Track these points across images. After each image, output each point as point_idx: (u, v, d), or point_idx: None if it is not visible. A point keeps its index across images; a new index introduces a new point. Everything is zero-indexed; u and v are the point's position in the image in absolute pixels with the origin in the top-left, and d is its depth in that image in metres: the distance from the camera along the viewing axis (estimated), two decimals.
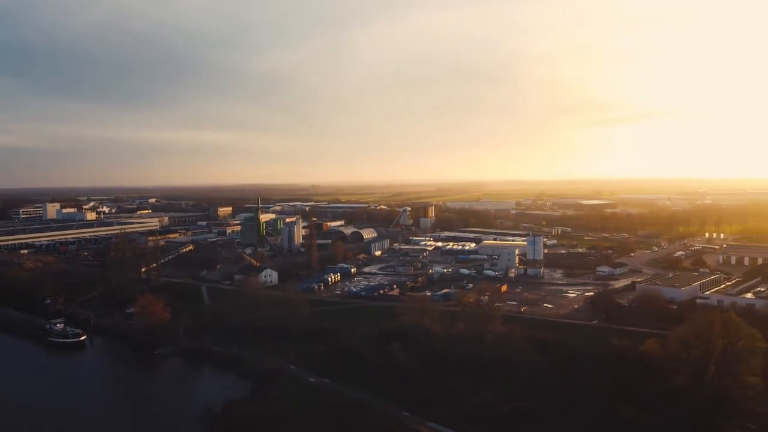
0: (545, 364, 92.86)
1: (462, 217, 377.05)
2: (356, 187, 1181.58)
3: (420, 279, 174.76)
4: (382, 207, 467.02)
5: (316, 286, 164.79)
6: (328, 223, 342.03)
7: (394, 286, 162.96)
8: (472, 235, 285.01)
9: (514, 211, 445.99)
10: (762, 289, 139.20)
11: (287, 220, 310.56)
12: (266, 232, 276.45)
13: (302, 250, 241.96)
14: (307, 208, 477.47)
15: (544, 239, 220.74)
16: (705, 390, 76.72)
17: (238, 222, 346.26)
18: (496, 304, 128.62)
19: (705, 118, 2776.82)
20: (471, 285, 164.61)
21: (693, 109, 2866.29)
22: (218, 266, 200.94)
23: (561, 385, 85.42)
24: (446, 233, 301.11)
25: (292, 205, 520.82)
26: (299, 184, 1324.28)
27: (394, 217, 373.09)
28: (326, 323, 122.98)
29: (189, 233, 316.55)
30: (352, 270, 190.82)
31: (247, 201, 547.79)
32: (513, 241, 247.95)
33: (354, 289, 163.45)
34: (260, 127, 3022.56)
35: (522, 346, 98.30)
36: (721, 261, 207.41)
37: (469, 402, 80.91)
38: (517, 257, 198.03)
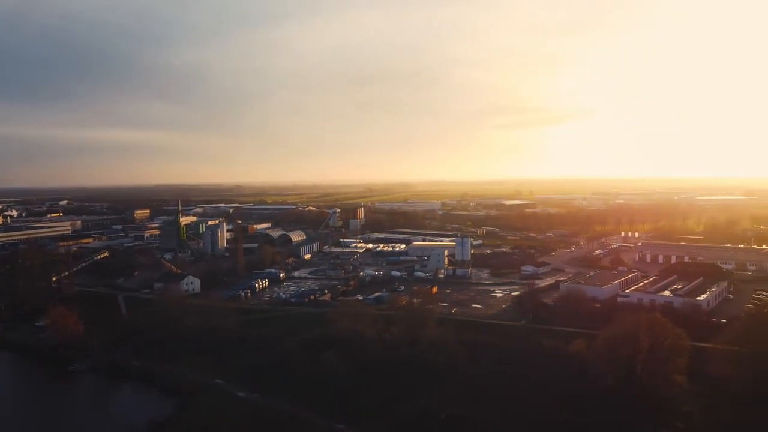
0: (479, 367, 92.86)
1: (391, 218, 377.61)
2: (283, 187, 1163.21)
3: (351, 282, 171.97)
4: (311, 208, 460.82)
5: (243, 293, 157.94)
6: (254, 226, 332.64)
7: (326, 291, 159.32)
8: (401, 237, 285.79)
9: (440, 212, 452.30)
10: (678, 287, 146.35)
11: (210, 222, 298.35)
12: (187, 236, 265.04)
13: (227, 254, 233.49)
14: (231, 210, 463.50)
15: (471, 239, 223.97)
16: (634, 390, 78.95)
17: (156, 225, 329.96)
18: (429, 307, 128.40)
19: (617, 120, 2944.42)
20: (402, 287, 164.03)
21: (606, 111, 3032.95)
22: (136, 274, 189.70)
23: (495, 389, 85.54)
24: (376, 235, 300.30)
25: (215, 207, 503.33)
26: (222, 185, 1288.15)
27: (323, 219, 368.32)
28: (255, 333, 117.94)
29: (104, 238, 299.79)
30: (281, 275, 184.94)
31: (166, 203, 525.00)
32: (441, 241, 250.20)
33: (283, 296, 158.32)
34: (181, 126, 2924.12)
35: (456, 350, 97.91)
36: (637, 259, 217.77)
37: (405, 411, 79.13)
38: (446, 258, 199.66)
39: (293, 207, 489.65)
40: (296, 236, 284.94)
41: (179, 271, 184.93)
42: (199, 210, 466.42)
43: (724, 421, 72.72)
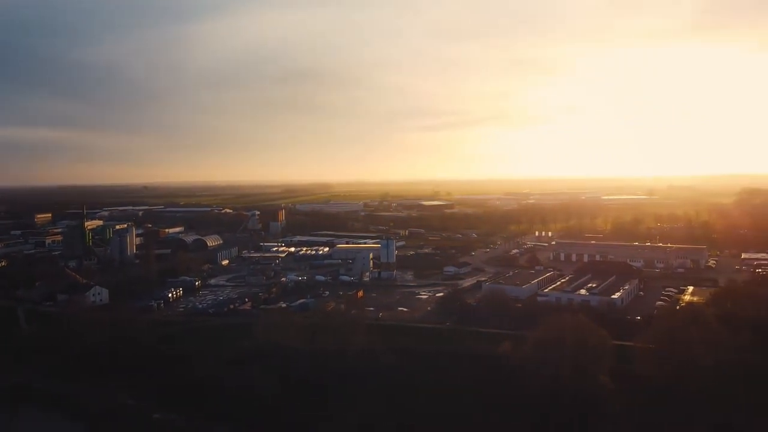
0: (409, 374, 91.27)
1: (313, 219, 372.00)
2: (196, 188, 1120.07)
3: (273, 289, 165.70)
4: (227, 210, 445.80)
5: (155, 304, 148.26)
6: (166, 230, 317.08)
7: (246, 299, 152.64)
8: (324, 239, 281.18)
9: (363, 213, 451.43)
10: (593, 285, 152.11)
11: (118, 227, 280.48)
12: (93, 242, 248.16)
13: (137, 262, 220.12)
14: (141, 213, 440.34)
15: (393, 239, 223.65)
16: (562, 392, 79.94)
17: (59, 231, 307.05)
18: (356, 312, 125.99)
19: (527, 123, 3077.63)
20: (328, 292, 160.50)
21: (517, 115, 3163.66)
22: (37, 284, 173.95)
23: (427, 396, 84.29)
24: (298, 237, 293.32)
25: (123, 210, 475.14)
26: (131, 185, 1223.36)
27: (242, 222, 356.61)
28: (170, 347, 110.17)
29: (1, 245, 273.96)
30: (197, 283, 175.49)
31: (70, 206, 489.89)
32: (365, 243, 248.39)
33: (200, 306, 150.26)
34: (87, 124, 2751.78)
35: (386, 357, 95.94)
36: (551, 258, 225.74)
37: (338, 427, 76.07)
38: (371, 261, 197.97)
39: (208, 209, 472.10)
40: (212, 241, 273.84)
41: (85, 281, 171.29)
42: (105, 213, 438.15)
43: (649, 420, 74.89)
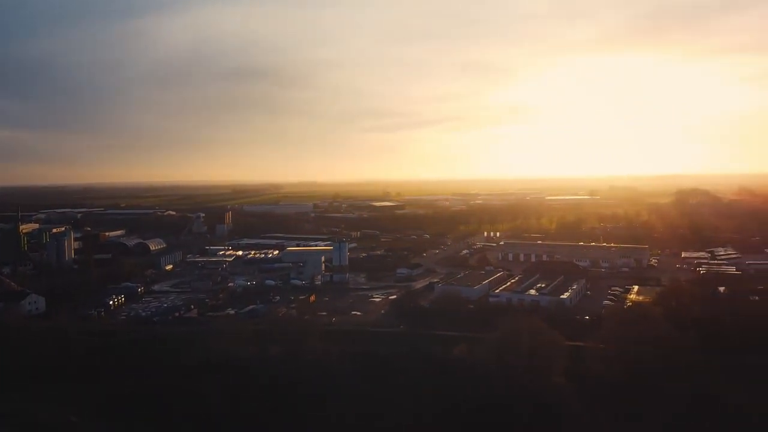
0: (366, 381, 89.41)
1: (262, 221, 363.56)
2: (139, 189, 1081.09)
3: (221, 295, 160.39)
4: (171, 212, 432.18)
5: (96, 312, 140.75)
6: (107, 233, 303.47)
7: (192, 306, 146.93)
8: (274, 242, 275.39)
9: (313, 214, 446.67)
10: (542, 285, 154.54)
11: (55, 230, 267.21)
12: (28, 247, 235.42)
13: (75, 267, 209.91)
14: (80, 216, 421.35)
15: (346, 241, 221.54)
16: (518, 393, 79.98)
17: None
18: (308, 317, 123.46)
19: (477, 125, 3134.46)
20: (278, 297, 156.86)
21: (467, 117, 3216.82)
22: None
23: (383, 402, 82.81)
24: (246, 240, 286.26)
25: (61, 213, 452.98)
26: (69, 186, 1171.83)
27: (186, 224, 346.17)
28: (112, 359, 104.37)
29: None
30: (140, 289, 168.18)
31: (2, 208, 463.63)
32: (317, 246, 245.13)
33: (143, 313, 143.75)
34: (22, 123, 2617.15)
35: (341, 363, 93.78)
36: (500, 258, 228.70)
37: None
38: (323, 263, 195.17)
39: (151, 211, 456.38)
40: (155, 244, 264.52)
41: (20, 288, 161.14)
42: (41, 216, 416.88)
43: (603, 420, 75.75)
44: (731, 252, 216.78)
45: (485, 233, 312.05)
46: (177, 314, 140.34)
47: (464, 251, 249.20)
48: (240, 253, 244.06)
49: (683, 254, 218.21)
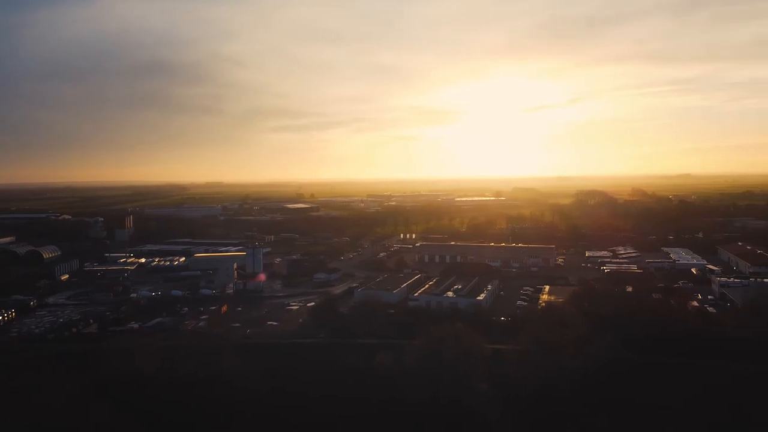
0: (284, 395, 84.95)
1: (166, 225, 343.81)
2: (30, 191, 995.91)
3: (123, 308, 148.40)
4: (66, 217, 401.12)
5: None
6: None
7: (91, 321, 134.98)
8: (181, 248, 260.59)
9: (222, 217, 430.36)
10: (459, 287, 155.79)
11: None
12: None
13: None
14: None
15: (259, 246, 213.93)
16: (442, 401, 78.68)
17: None
18: (220, 330, 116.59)
19: (386, 126, 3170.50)
20: (186, 309, 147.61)
21: (377, 117, 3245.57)
22: None
23: (303, 417, 78.90)
24: (150, 246, 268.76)
25: None
26: None
27: (83, 229, 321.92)
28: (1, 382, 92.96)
29: None
30: (32, 302, 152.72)
31: None
32: (227, 251, 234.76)
33: (36, 330, 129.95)
34: None
35: (257, 379, 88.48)
36: (416, 260, 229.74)
37: None
38: (235, 271, 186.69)
39: (43, 215, 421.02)
40: (48, 252, 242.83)
41: None
42: None
43: (525, 424, 75.96)
44: (631, 251, 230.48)
45: (401, 235, 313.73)
46: (74, 330, 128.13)
47: (381, 254, 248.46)
48: (143, 260, 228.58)
49: (587, 253, 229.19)
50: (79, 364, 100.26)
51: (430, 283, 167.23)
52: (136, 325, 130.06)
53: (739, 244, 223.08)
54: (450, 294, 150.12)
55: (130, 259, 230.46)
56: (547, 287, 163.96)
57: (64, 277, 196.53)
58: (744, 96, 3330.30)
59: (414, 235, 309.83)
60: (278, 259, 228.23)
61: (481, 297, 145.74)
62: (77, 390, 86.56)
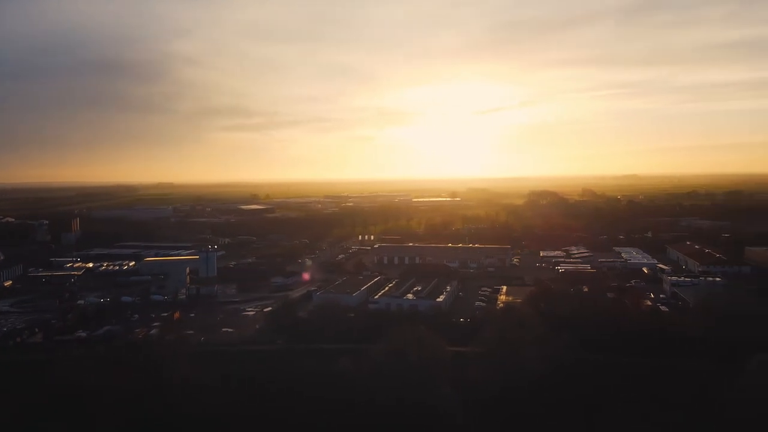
0: (242, 407, 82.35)
1: (116, 228, 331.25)
2: None
3: (70, 315, 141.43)
4: (9, 219, 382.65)
5: None
6: None
7: (36, 329, 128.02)
8: (130, 251, 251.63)
9: (174, 220, 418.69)
10: (419, 289, 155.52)
11: None
12: None
13: None
14: None
15: (213, 249, 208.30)
16: (407, 406, 77.62)
17: None
18: (173, 338, 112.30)
19: (342, 126, 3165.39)
20: (137, 316, 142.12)
21: (333, 117, 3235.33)
22: None
23: (264, 429, 76.63)
24: (98, 250, 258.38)
25: None
26: None
27: (27, 233, 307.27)
28: None
29: None
30: None
31: None
32: (180, 255, 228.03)
33: None
34: None
35: (213, 390, 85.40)
36: (375, 261, 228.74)
37: None
38: (187, 275, 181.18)
39: None
40: None
41: None
42: None
43: (487, 426, 75.84)
44: (584, 250, 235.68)
45: (359, 236, 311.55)
46: (18, 339, 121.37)
47: (340, 256, 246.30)
48: (91, 265, 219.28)
49: (542, 253, 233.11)
50: (24, 376, 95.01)
51: (390, 285, 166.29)
52: (83, 334, 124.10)
53: (688, 243, 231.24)
54: (410, 296, 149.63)
55: (77, 264, 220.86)
56: (504, 288, 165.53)
57: (8, 283, 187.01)
58: (688, 100, 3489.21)
59: (372, 237, 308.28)
60: (233, 263, 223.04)
61: (440, 299, 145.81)
62: (22, 404, 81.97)
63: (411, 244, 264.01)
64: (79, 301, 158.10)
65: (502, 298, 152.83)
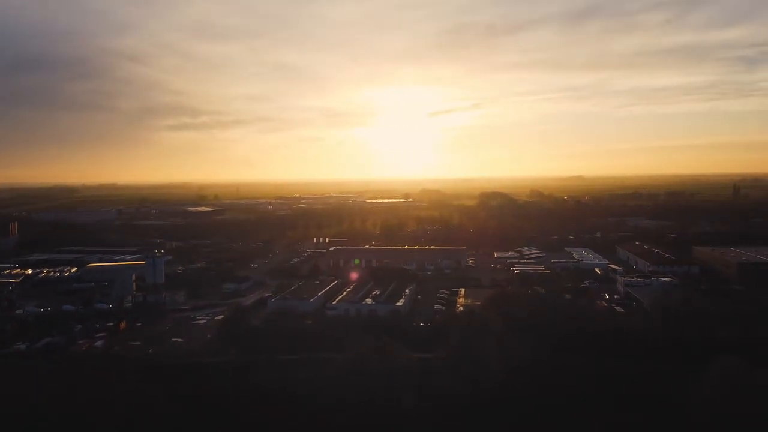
0: (191, 426, 77.69)
1: (56, 232, 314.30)
2: None
3: (9, 326, 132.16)
4: None
5: None
6: None
7: None
8: (72, 257, 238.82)
9: (118, 222, 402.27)
10: (378, 293, 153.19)
11: None
12: None
13: None
14: None
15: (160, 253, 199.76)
16: (370, 420, 75.07)
17: None
18: (118, 350, 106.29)
19: (286, 128, 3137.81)
20: (80, 326, 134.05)
21: (274, 118, 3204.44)
22: None
23: None
24: (37, 256, 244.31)
25: None
26: None
27: None
28: None
29: None
30: None
31: None
32: (125, 260, 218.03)
33: None
34: None
35: (161, 407, 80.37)
36: (331, 264, 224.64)
37: None
38: (134, 282, 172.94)
39: None
40: None
41: None
42: None
43: None
44: (536, 251, 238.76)
45: (314, 239, 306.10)
46: None
47: (295, 259, 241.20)
48: (30, 271, 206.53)
49: (496, 254, 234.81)
50: None
51: (348, 290, 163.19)
52: (23, 346, 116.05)
53: (636, 243, 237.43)
54: (369, 301, 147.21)
55: (15, 271, 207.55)
56: (462, 290, 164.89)
57: None
58: (631, 103, 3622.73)
59: (327, 239, 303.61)
60: (181, 268, 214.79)
61: (400, 303, 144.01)
62: None
63: (367, 246, 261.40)
64: (17, 311, 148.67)
65: (461, 300, 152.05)
